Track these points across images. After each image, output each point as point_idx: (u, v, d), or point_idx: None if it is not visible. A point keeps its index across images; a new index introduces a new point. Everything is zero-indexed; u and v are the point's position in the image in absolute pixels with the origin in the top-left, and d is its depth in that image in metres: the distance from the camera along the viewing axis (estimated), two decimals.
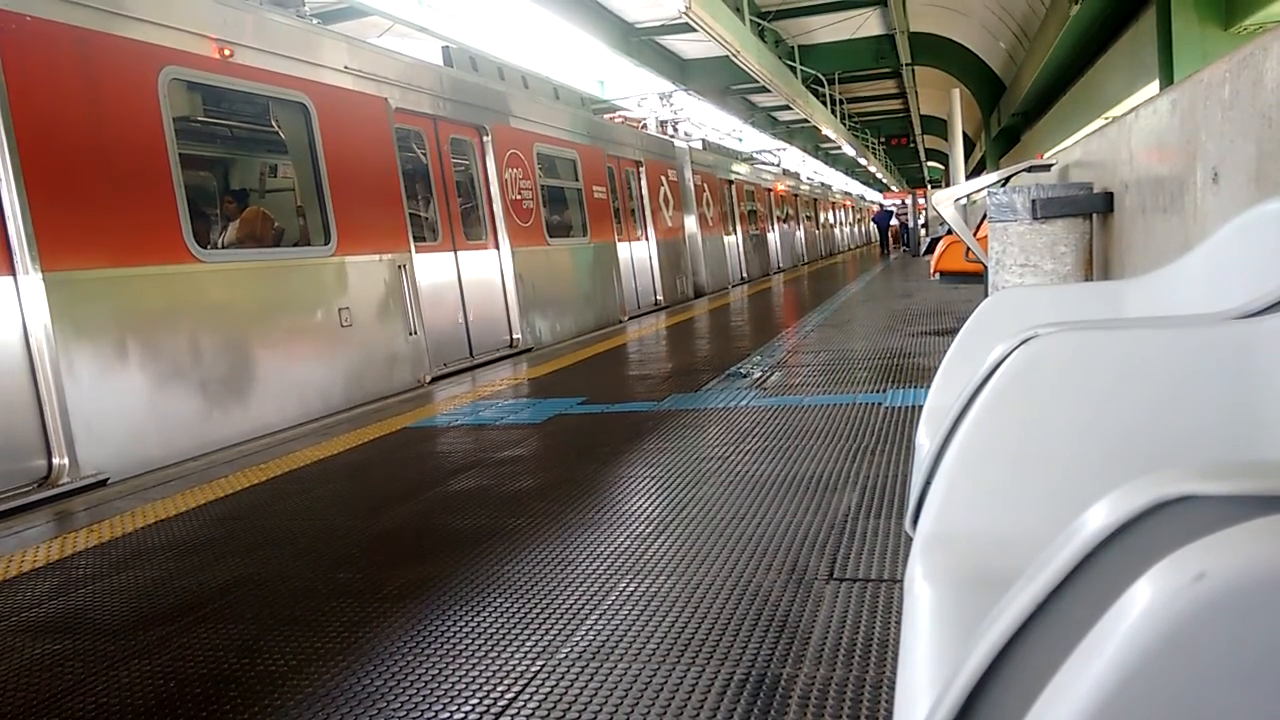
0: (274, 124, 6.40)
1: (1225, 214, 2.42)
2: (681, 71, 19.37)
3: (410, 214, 7.35)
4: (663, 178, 14.48)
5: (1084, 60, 15.73)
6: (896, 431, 3.94)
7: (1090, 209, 4.28)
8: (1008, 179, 5.74)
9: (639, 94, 18.11)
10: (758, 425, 4.29)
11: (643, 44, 17.25)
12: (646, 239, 13.67)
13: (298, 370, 5.90)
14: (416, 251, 7.29)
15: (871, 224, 39.81)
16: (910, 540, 1.33)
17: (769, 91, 16.73)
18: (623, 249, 12.38)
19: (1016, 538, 1.18)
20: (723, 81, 19.55)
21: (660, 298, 13.73)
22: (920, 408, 3.23)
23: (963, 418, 1.30)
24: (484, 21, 14.23)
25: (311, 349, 6.05)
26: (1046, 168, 5.90)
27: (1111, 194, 4.18)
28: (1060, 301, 2.24)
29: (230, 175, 6.96)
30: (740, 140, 27.42)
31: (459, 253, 8.22)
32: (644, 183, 13.68)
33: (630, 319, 11.67)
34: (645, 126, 16.67)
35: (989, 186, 5.88)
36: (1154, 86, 11.45)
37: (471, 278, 8.35)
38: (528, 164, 9.55)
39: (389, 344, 6.84)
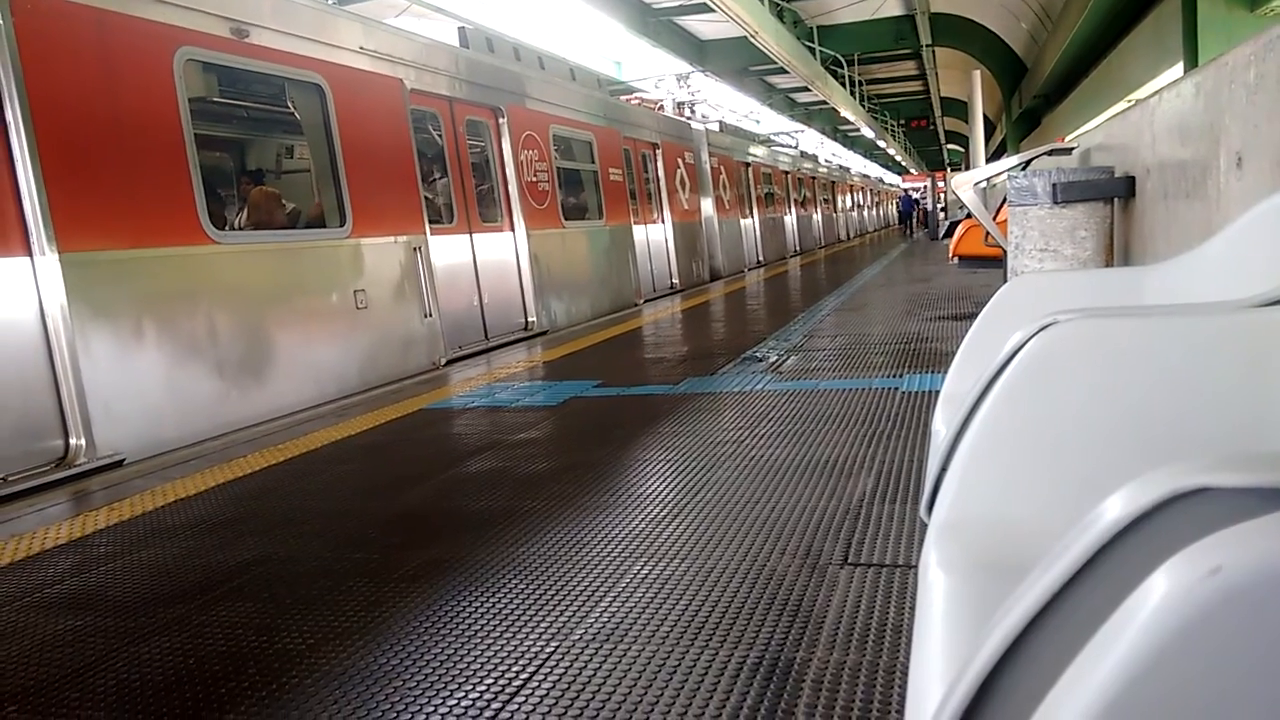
0: (289, 105, 6.41)
1: (1249, 200, 2.39)
2: (699, 52, 19.24)
3: (425, 196, 7.35)
4: (679, 160, 14.41)
5: (1107, 42, 15.51)
6: (912, 417, 3.92)
7: (1111, 193, 4.24)
8: (1028, 162, 5.68)
9: (656, 75, 18.01)
10: (773, 409, 4.28)
11: (660, 24, 17.13)
12: (662, 222, 13.63)
13: (314, 352, 5.93)
14: (432, 233, 7.29)
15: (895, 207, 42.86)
16: (925, 526, 1.33)
17: (787, 73, 16.61)
18: (638, 232, 12.34)
19: (1032, 526, 1.18)
20: (741, 63, 19.41)
21: (676, 281, 13.69)
22: (937, 393, 3.22)
23: (980, 404, 1.29)
24: (501, 2, 14.17)
25: (327, 331, 6.08)
26: (1068, 151, 5.83)
27: (1133, 178, 4.13)
28: (1080, 287, 2.22)
29: (246, 157, 6.98)
30: (758, 122, 27.28)
31: (474, 235, 8.22)
32: (660, 165, 13.62)
33: (646, 302, 11.65)
34: (662, 108, 16.59)
35: (1009, 170, 5.82)
36: (1178, 69, 11.29)
37: (487, 260, 8.35)
38: (543, 146, 9.52)
39: (404, 326, 6.86)
